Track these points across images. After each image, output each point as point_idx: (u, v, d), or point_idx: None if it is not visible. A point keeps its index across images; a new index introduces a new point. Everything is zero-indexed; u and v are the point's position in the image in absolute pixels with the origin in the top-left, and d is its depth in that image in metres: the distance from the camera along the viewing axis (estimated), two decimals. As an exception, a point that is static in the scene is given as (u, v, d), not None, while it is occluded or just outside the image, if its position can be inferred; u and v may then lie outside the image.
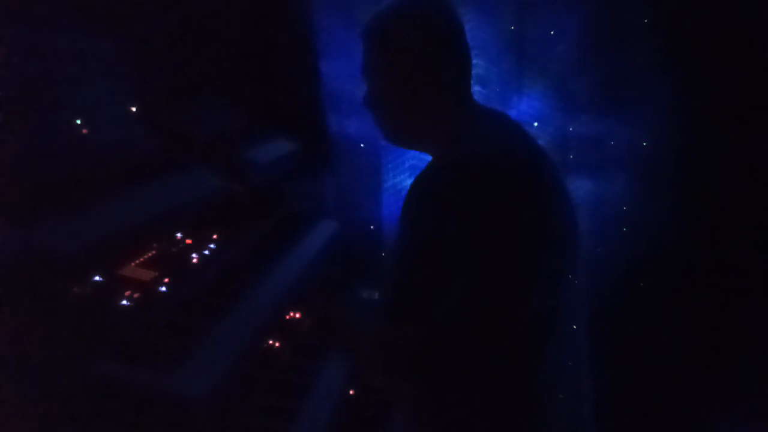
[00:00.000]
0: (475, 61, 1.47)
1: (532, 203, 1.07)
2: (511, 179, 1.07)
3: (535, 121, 2.49)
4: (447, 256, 1.04)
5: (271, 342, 1.75)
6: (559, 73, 2.42)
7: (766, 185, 2.11)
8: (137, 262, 1.47)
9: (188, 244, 1.67)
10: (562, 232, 1.11)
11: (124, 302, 1.32)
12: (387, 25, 1.21)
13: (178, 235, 1.68)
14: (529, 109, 2.52)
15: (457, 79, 1.21)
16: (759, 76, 2.07)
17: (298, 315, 1.86)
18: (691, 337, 2.19)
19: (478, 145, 1.15)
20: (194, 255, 1.63)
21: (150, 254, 1.52)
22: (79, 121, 1.56)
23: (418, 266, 1.10)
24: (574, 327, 1.16)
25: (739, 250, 2.15)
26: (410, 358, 1.09)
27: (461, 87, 1.22)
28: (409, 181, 2.73)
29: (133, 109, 1.77)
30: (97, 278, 1.31)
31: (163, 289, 1.43)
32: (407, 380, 1.17)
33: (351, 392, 1.80)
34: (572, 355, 1.15)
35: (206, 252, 1.68)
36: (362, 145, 2.75)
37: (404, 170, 2.74)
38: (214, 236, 1.77)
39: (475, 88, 1.41)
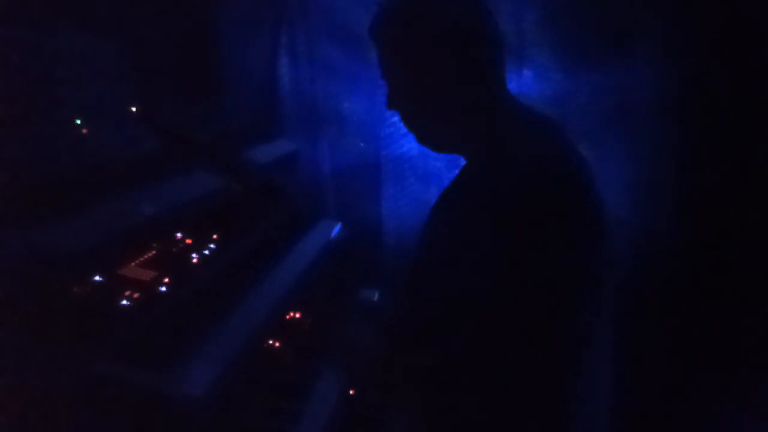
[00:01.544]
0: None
1: (575, 215, 0.99)
2: (556, 189, 0.98)
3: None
4: (484, 270, 0.96)
5: (271, 342, 1.75)
6: (552, 73, 2.42)
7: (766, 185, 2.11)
8: (137, 262, 1.47)
9: (188, 244, 1.67)
10: (603, 247, 1.03)
11: (124, 302, 1.32)
12: (403, 16, 1.10)
13: (178, 235, 1.68)
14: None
15: (489, 69, 1.10)
16: (759, 75, 2.07)
17: (298, 315, 1.86)
18: (692, 338, 2.19)
19: (521, 149, 1.04)
20: (194, 255, 1.63)
21: (150, 254, 1.52)
22: (79, 121, 1.56)
23: (450, 281, 1.01)
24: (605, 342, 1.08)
25: (741, 250, 2.15)
26: (424, 384, 1.02)
27: (494, 79, 1.11)
28: (409, 181, 2.73)
29: (133, 109, 1.77)
30: (97, 278, 1.31)
31: (163, 289, 1.43)
32: (413, 402, 1.08)
33: (351, 392, 1.80)
34: (601, 370, 1.08)
35: (206, 252, 1.68)
36: (362, 144, 2.75)
37: (404, 170, 2.74)
38: (214, 236, 1.77)
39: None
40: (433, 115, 1.13)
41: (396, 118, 2.71)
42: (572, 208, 1.00)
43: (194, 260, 1.62)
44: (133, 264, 1.45)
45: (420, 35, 1.08)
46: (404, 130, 2.73)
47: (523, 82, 2.38)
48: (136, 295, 1.34)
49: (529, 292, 0.95)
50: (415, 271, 1.15)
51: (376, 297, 2.33)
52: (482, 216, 1.00)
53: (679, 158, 2.26)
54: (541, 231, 0.95)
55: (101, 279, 1.32)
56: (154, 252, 1.54)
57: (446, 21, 1.08)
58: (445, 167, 2.67)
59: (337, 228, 2.35)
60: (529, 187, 0.98)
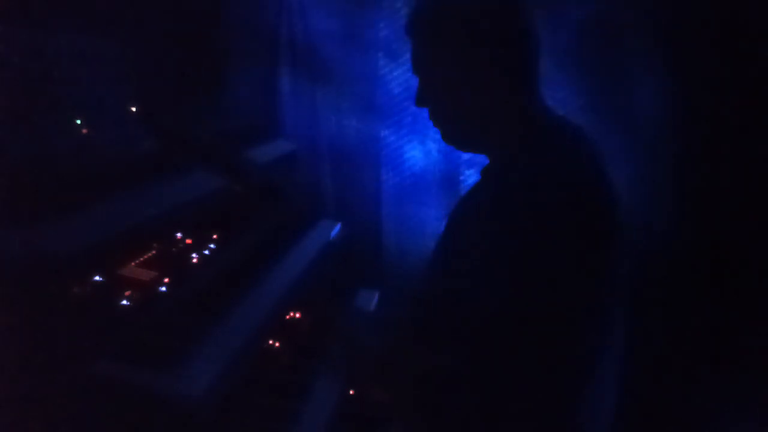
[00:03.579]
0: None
1: (594, 221, 0.99)
2: (578, 194, 0.99)
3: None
4: (503, 269, 0.95)
5: (271, 342, 1.75)
6: (547, 74, 2.41)
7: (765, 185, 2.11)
8: (137, 262, 1.47)
9: (188, 244, 1.67)
10: (619, 254, 1.04)
11: (124, 302, 1.32)
12: (442, 12, 1.09)
13: (178, 235, 1.68)
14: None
15: (523, 70, 1.10)
16: (759, 75, 2.07)
17: (298, 315, 1.86)
18: (692, 338, 2.19)
19: (546, 153, 1.04)
20: (194, 255, 1.63)
21: (150, 254, 1.52)
22: (79, 121, 1.56)
23: (473, 282, 1.00)
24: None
25: (742, 250, 2.15)
26: (429, 385, 1.01)
27: (527, 81, 1.11)
28: (409, 182, 2.73)
29: (133, 109, 1.77)
30: (97, 278, 1.31)
31: (163, 289, 1.43)
32: (417, 403, 1.07)
33: (351, 392, 1.80)
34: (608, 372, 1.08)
35: (206, 252, 1.68)
36: (362, 144, 2.75)
37: (404, 170, 2.74)
38: (214, 236, 1.77)
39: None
40: (464, 113, 1.13)
41: (395, 119, 2.71)
42: (592, 215, 1.00)
43: (194, 260, 1.62)
44: (133, 264, 1.45)
45: (457, 32, 1.08)
46: (404, 130, 2.74)
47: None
48: (136, 295, 1.34)
49: (546, 294, 0.95)
50: (433, 270, 1.15)
51: (375, 297, 2.33)
52: (503, 216, 1.00)
53: (679, 158, 2.26)
54: (561, 235, 0.95)
55: (101, 279, 1.32)
56: (154, 252, 1.54)
57: (485, 19, 1.07)
58: (447, 168, 2.67)
59: (337, 228, 2.35)
60: (550, 191, 0.98)
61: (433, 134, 2.61)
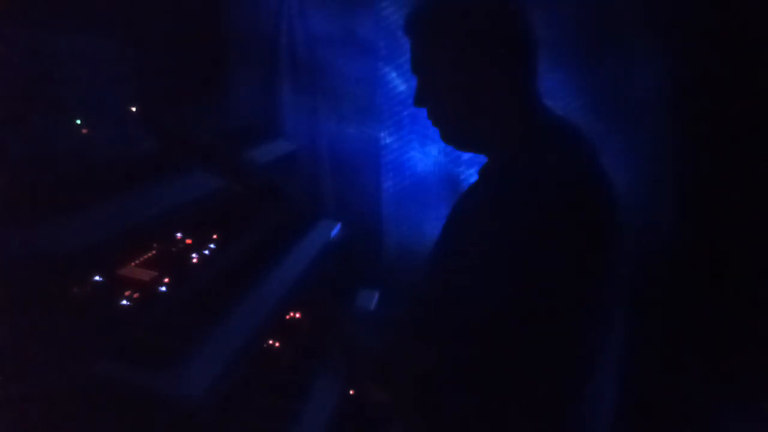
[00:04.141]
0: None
1: (593, 220, 1.00)
2: (577, 194, 0.99)
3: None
4: (501, 269, 0.96)
5: (271, 342, 1.75)
6: (547, 73, 2.41)
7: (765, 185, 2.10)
8: (137, 262, 1.47)
9: (188, 244, 1.67)
10: (617, 253, 1.04)
11: (124, 302, 1.32)
12: (441, 12, 1.10)
13: (178, 235, 1.68)
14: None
15: (521, 71, 1.11)
16: (759, 75, 2.07)
17: (298, 315, 1.86)
18: (692, 338, 2.19)
19: (545, 153, 1.05)
20: (194, 255, 1.63)
21: (150, 254, 1.52)
22: (79, 121, 1.56)
23: (473, 281, 1.00)
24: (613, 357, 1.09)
25: (742, 250, 2.15)
26: (430, 385, 1.01)
27: (525, 81, 1.12)
28: (409, 181, 2.73)
29: (133, 109, 1.77)
30: (97, 278, 1.31)
31: (163, 289, 1.43)
32: (417, 403, 1.08)
33: (351, 392, 1.80)
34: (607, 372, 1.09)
35: (206, 252, 1.68)
36: (362, 144, 2.75)
37: (404, 169, 2.74)
38: (214, 236, 1.77)
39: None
40: (463, 113, 1.13)
41: (395, 120, 2.71)
42: (592, 214, 1.00)
43: (194, 260, 1.62)
44: (133, 264, 1.45)
45: (457, 32, 1.08)
46: (404, 130, 2.74)
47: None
48: (136, 295, 1.34)
49: (546, 294, 0.95)
50: (433, 270, 1.15)
51: (375, 297, 2.33)
52: (502, 216, 1.00)
53: (679, 158, 2.26)
54: (561, 235, 0.96)
55: (101, 279, 1.32)
56: (154, 252, 1.54)
57: (485, 19, 1.08)
58: (447, 168, 2.67)
59: (337, 228, 2.35)
60: (550, 191, 0.98)
61: (433, 134, 2.61)
